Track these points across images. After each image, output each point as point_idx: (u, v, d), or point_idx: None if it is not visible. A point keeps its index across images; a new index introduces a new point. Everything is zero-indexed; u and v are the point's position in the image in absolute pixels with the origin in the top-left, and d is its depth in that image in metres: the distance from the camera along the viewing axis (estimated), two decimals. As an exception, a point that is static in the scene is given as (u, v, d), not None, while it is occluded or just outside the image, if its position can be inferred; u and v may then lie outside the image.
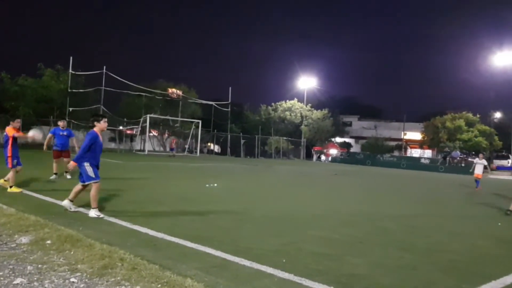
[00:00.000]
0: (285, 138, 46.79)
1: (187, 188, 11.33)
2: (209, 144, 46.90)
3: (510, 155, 33.95)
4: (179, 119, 39.96)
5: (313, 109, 50.31)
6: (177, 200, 8.77)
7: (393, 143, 55.19)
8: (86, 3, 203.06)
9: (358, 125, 67.72)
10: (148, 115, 34.95)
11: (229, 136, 43.91)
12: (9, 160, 8.31)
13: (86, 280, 3.53)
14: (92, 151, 6.42)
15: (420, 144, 50.89)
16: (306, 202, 10.17)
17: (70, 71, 32.81)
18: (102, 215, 6.22)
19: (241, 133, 45.72)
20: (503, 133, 44.63)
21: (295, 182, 16.77)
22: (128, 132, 39.19)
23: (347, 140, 61.15)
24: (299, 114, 49.22)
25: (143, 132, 36.93)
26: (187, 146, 40.07)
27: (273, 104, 50.91)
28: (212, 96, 48.95)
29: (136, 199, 8.19)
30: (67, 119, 30.15)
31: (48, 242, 4.52)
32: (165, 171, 17.00)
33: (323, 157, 47.23)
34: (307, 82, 51.29)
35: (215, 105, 43.86)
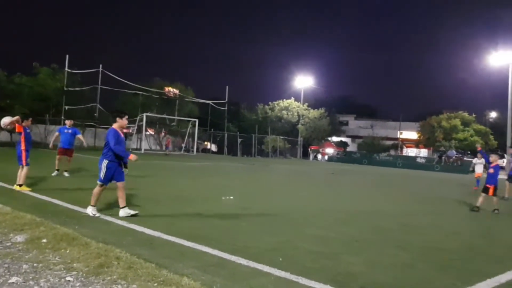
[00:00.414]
0: (282, 137, 46.83)
1: (184, 187, 11.31)
2: (206, 143, 46.84)
3: (505, 155, 34.11)
4: (176, 117, 39.86)
5: (310, 108, 50.35)
6: (174, 199, 8.75)
7: (389, 142, 55.35)
8: (81, 1, 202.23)
9: (355, 124, 67.97)
10: (144, 114, 34.85)
11: (226, 135, 43.87)
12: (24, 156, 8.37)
13: (82, 279, 3.52)
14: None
15: (416, 143, 51.14)
16: (303, 201, 10.18)
17: (66, 69, 32.67)
18: (98, 214, 6.19)
19: (238, 132, 45.70)
20: (498, 133, 44.87)
21: (292, 181, 16.78)
22: (125, 130, 38.92)
23: (343, 139, 61.27)
24: (296, 113, 49.24)
25: (139, 131, 36.84)
26: (183, 145, 40.00)
27: (270, 103, 50.95)
28: (209, 95, 49.01)
29: (132, 198, 8.16)
30: (63, 117, 30.13)
31: (44, 240, 4.50)
32: (161, 170, 16.96)
33: (319, 156, 47.30)
34: (303, 81, 51.34)
35: (212, 104, 43.79)
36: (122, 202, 6.38)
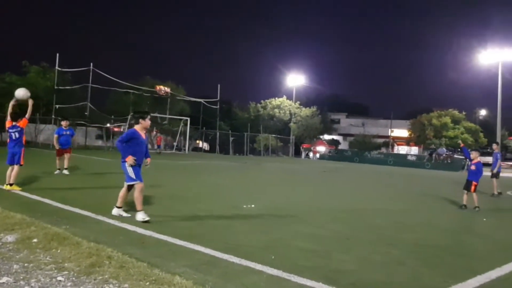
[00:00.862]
0: (274, 135, 46.86)
1: (176, 186, 11.28)
2: (197, 141, 46.71)
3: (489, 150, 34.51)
4: (167, 116, 39.69)
5: (301, 106, 50.46)
6: (166, 198, 8.72)
7: (380, 140, 55.65)
8: (72, 0, 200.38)
9: (346, 122, 68.25)
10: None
11: (218, 133, 43.80)
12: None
13: (73, 278, 3.49)
14: (132, 149, 6.08)
15: (407, 141, 51.42)
16: (295, 199, 10.20)
17: (57, 67, 32.36)
18: (148, 218, 5.90)
19: (230, 130, 45.60)
20: (488, 131, 45.32)
21: (284, 179, 16.81)
22: (116, 129, 38.85)
23: (335, 137, 61.53)
24: (288, 112, 49.35)
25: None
26: (175, 144, 39.85)
27: (262, 101, 51.01)
28: (201, 93, 48.85)
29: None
30: (53, 116, 29.86)
31: (35, 240, 4.47)
32: (153, 169, 16.85)
33: (311, 155, 47.44)
34: (295, 79, 51.37)
35: (204, 103, 43.67)
36: (119, 202, 6.32)
